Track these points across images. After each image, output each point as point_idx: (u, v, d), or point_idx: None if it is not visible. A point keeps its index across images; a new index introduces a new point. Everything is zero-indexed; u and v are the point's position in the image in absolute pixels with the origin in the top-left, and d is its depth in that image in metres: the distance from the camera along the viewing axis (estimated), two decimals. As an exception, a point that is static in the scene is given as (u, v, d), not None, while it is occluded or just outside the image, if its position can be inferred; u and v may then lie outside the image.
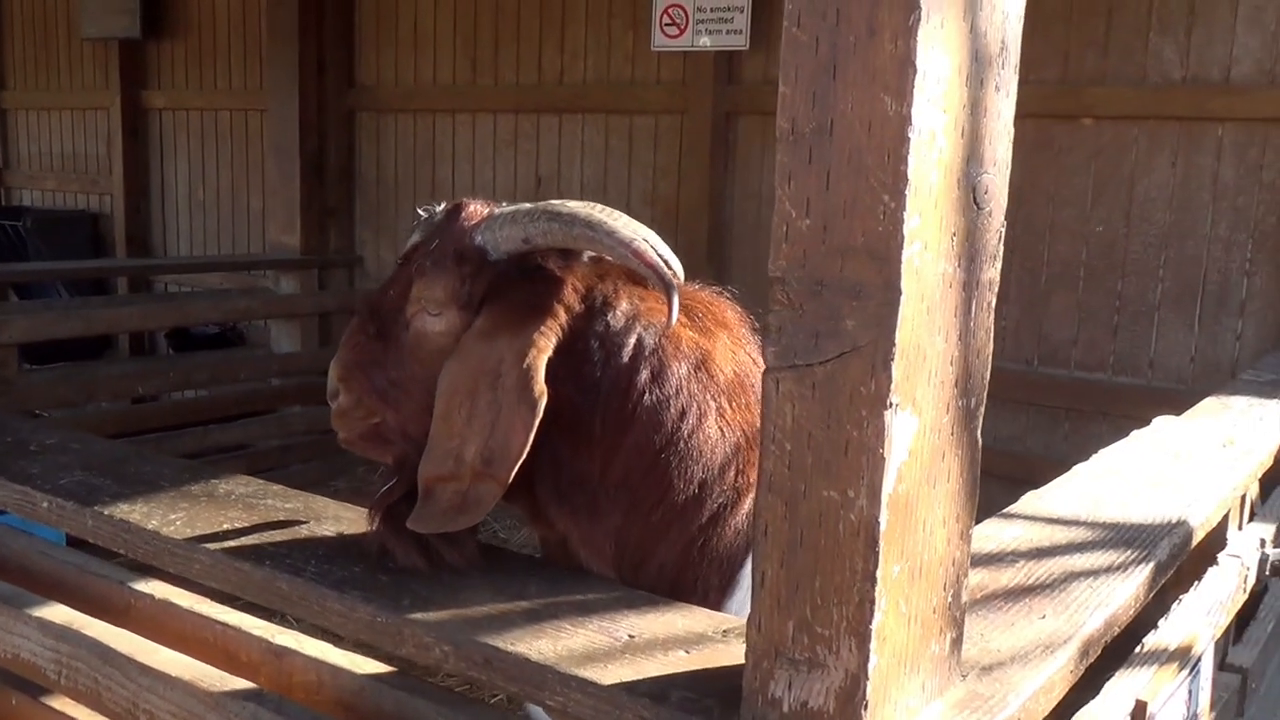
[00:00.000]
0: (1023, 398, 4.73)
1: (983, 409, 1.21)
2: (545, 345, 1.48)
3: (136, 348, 7.82)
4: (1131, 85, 4.44)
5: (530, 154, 6.16)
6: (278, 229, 6.79)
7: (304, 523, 1.70)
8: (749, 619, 1.12)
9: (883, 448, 1.03)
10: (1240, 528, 2.53)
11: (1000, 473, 3.90)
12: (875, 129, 1.01)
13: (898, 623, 1.09)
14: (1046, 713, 1.31)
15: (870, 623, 1.05)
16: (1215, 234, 4.35)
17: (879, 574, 1.04)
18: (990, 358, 1.20)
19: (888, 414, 1.03)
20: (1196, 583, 2.25)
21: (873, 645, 1.05)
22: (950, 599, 1.20)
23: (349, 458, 6.92)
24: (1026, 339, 4.74)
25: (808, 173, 1.05)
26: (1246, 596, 2.46)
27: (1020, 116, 4.46)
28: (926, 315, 1.06)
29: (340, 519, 1.73)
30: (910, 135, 1.00)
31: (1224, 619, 2.28)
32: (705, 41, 5.28)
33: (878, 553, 1.04)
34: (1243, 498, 2.50)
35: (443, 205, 1.78)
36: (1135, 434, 2.56)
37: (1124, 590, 1.57)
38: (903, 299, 1.02)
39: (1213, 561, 2.34)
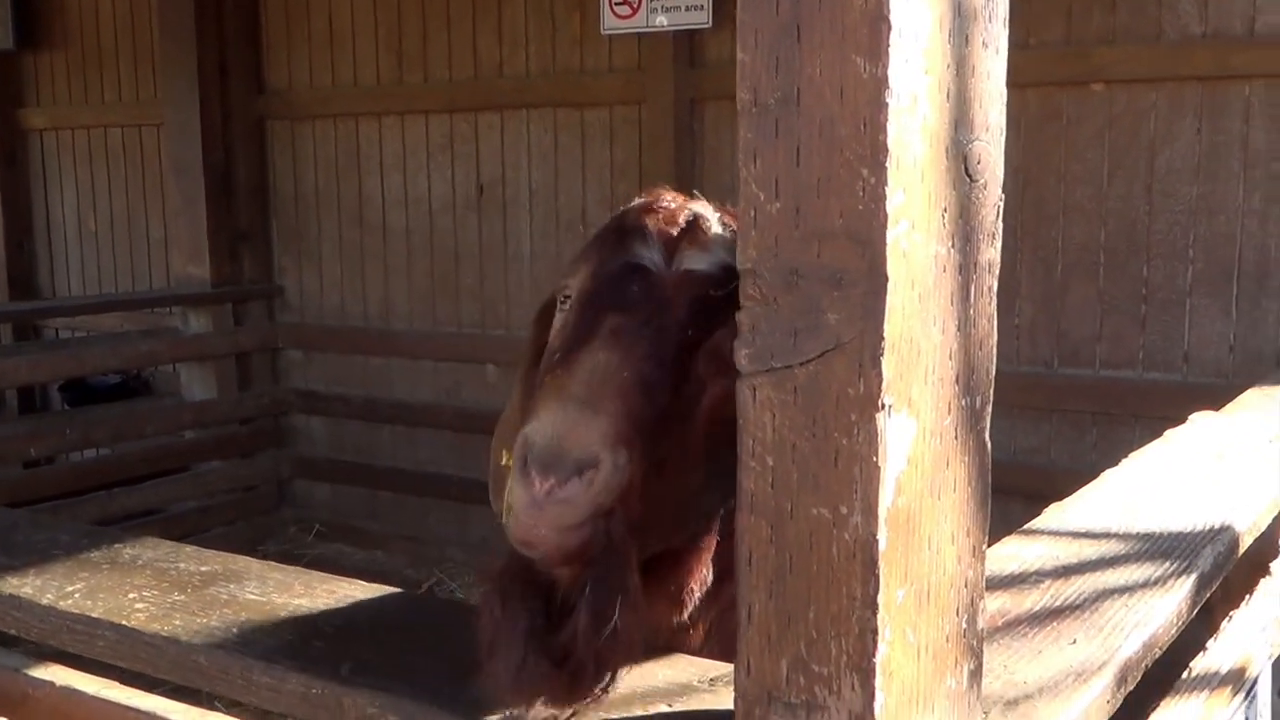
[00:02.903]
0: (1043, 404, 4.76)
1: (989, 408, 1.22)
2: None
3: (26, 404, 7.75)
4: (1145, 43, 4.51)
5: (469, 158, 6.17)
6: (183, 259, 6.77)
7: (223, 586, 1.69)
8: (736, 661, 1.13)
9: (877, 456, 1.04)
10: (1293, 534, 2.56)
11: (1023, 490, 3.92)
12: (848, 95, 1.02)
13: (905, 655, 1.10)
14: (1082, 750, 1.32)
15: (874, 656, 1.05)
16: (1248, 206, 4.41)
17: (880, 599, 1.05)
18: (994, 349, 1.21)
19: (880, 417, 1.03)
20: (1248, 596, 2.27)
21: (878, 681, 1.05)
22: (965, 625, 1.21)
23: (279, 518, 7.00)
24: (1043, 338, 4.78)
25: (775, 149, 1.06)
26: (1306, 611, 2.48)
27: (1022, 86, 4.56)
28: (919, 304, 1.07)
29: (265, 579, 1.72)
30: (888, 100, 1.01)
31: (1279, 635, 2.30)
32: (662, 21, 5.32)
33: (878, 575, 1.04)
34: (1294, 499, 2.53)
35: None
36: (1170, 433, 2.59)
37: (1164, 607, 1.58)
38: (890, 286, 1.03)
39: (1265, 572, 2.37)
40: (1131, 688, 1.48)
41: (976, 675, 1.25)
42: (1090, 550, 1.81)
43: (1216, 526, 1.92)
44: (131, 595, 1.69)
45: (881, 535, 1.05)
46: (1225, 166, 4.43)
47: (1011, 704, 1.30)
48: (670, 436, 1.32)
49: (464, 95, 6.12)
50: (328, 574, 1.77)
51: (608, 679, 1.24)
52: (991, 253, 1.20)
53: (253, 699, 1.47)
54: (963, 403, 1.16)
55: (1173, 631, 1.61)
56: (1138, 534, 1.89)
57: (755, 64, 1.06)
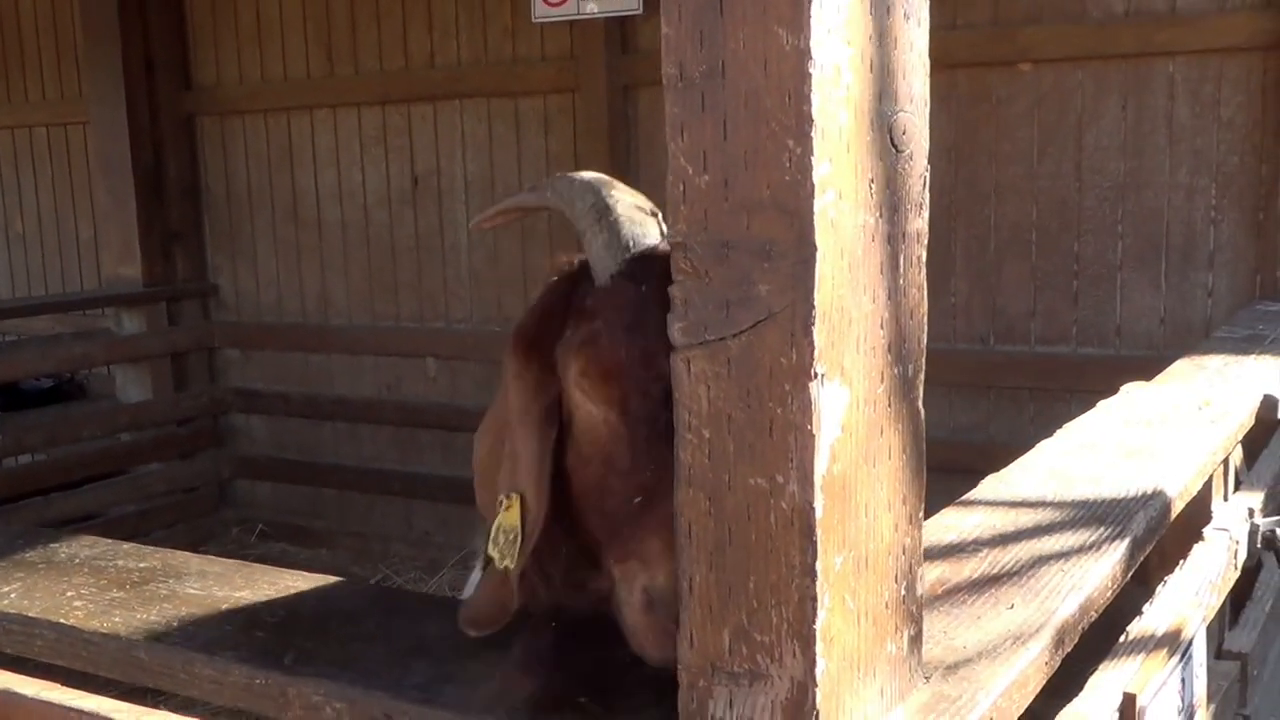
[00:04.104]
0: (980, 380, 4.83)
1: (922, 376, 1.24)
2: None
3: (-45, 411, 7.60)
4: (1071, 23, 4.57)
5: (403, 150, 6.13)
6: (114, 260, 6.66)
7: (163, 582, 1.68)
8: (679, 634, 1.14)
9: (811, 424, 1.05)
10: (1226, 498, 2.61)
11: (963, 465, 3.95)
12: (772, 67, 1.03)
13: (845, 621, 1.11)
14: (1022, 709, 1.34)
15: (814, 623, 1.06)
16: (1175, 181, 4.49)
17: (819, 567, 1.06)
18: (925, 318, 1.23)
19: (813, 386, 1.05)
20: (1182, 562, 2.32)
21: (819, 648, 1.07)
22: (904, 592, 1.22)
23: (221, 519, 6.92)
24: (979, 315, 4.84)
25: (702, 122, 1.07)
26: (1239, 574, 2.54)
27: (952, 66, 4.58)
28: (848, 273, 1.09)
29: (205, 574, 1.71)
30: (811, 71, 1.02)
31: (1215, 599, 2.35)
32: (592, 7, 5.32)
33: (815, 543, 1.06)
34: (1226, 465, 2.58)
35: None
36: (1102, 404, 2.63)
37: (1098, 571, 1.61)
38: (819, 255, 1.04)
39: (1198, 537, 2.41)
40: (1069, 649, 1.50)
41: (917, 640, 1.27)
42: (1026, 518, 1.84)
43: (1149, 492, 1.96)
44: (69, 594, 1.66)
45: (818, 503, 1.06)
46: (1151, 143, 4.51)
47: (952, 668, 1.31)
48: None
49: (396, 86, 6.08)
50: (270, 566, 1.76)
51: None
52: (920, 223, 1.22)
53: (196, 692, 1.46)
54: (895, 371, 1.18)
55: (1108, 594, 1.64)
56: (1072, 501, 1.92)
57: (680, 38, 1.06)
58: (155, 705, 1.83)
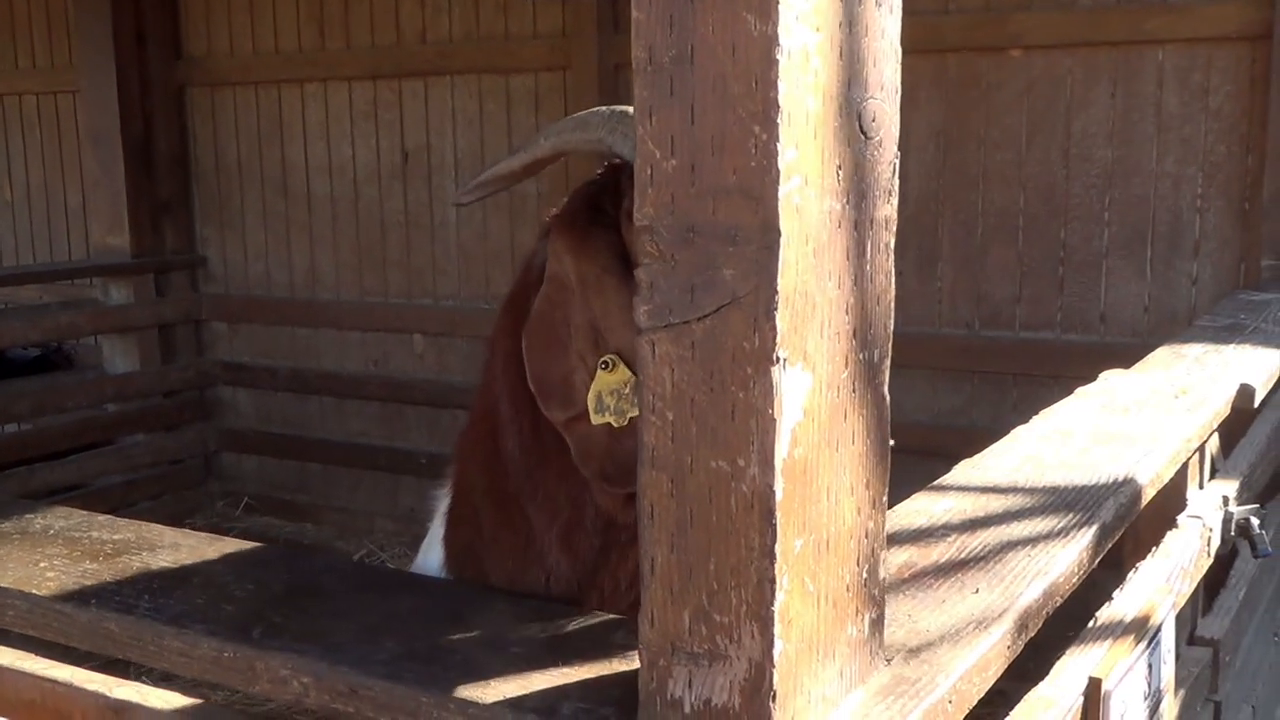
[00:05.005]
0: (964, 365, 4.83)
1: (888, 362, 1.24)
2: None
3: (-58, 380, 7.59)
4: (1061, 9, 4.57)
5: (394, 126, 6.11)
6: (102, 229, 6.64)
7: (136, 554, 1.68)
8: (641, 613, 1.15)
9: (772, 409, 1.06)
10: (1201, 486, 2.63)
11: (946, 450, 3.96)
12: (740, 52, 1.03)
13: (805, 603, 1.12)
14: (982, 693, 1.35)
15: (772, 604, 1.07)
16: (1162, 169, 4.50)
17: (778, 549, 1.07)
18: (892, 304, 1.24)
19: (775, 370, 1.05)
20: (1154, 549, 2.33)
21: (777, 629, 1.08)
22: (865, 575, 1.24)
23: (206, 491, 6.92)
24: (964, 300, 4.85)
25: (670, 106, 1.07)
26: (1212, 561, 2.55)
27: (942, 51, 4.57)
28: (813, 259, 1.09)
29: (179, 546, 1.71)
30: (778, 57, 1.02)
31: (1186, 586, 2.37)
32: (585, -15, 5.30)
33: (774, 525, 1.07)
34: (1202, 453, 2.60)
35: None
36: (1080, 391, 2.65)
37: (1065, 557, 1.63)
38: (783, 241, 1.04)
39: (1172, 524, 2.43)
40: (1033, 634, 1.52)
41: (878, 624, 1.28)
42: (997, 504, 1.85)
43: (1120, 479, 1.97)
44: (42, 565, 1.67)
45: (778, 486, 1.07)
46: (1139, 131, 4.51)
47: (914, 651, 1.33)
48: None
49: (387, 61, 6.05)
50: (243, 540, 1.77)
51: None
52: (888, 209, 1.22)
53: (165, 664, 1.47)
54: (860, 356, 1.19)
55: (1074, 580, 1.66)
56: (1043, 488, 1.93)
57: (650, 22, 1.07)
58: (136, 678, 1.85)
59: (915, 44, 4.70)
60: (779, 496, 1.07)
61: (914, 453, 4.13)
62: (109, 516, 1.87)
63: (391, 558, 6.03)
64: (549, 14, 5.61)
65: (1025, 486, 1.94)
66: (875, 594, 1.26)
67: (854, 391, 1.18)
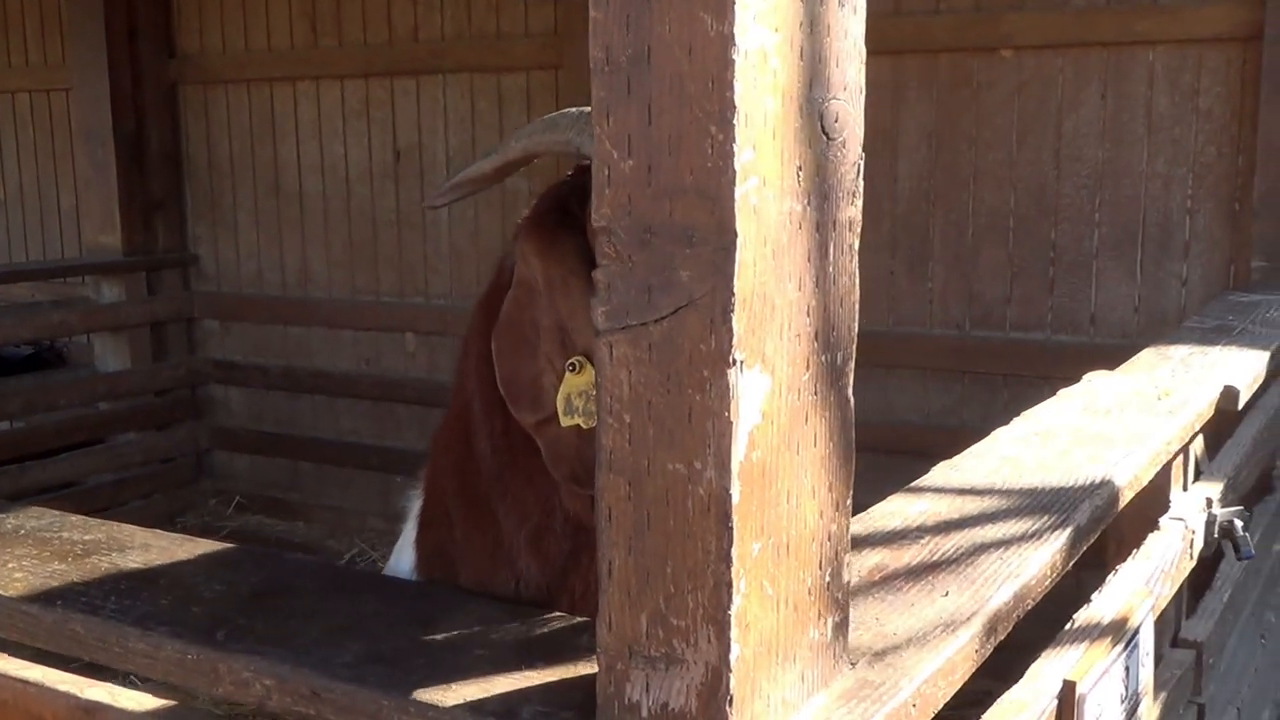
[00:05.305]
0: (955, 365, 4.83)
1: (852, 364, 1.24)
2: None
3: (-66, 377, 7.58)
4: (1052, 10, 4.56)
5: (385, 124, 6.11)
6: (94, 228, 6.64)
7: (106, 555, 1.68)
8: (599, 616, 1.14)
9: (729, 411, 1.05)
10: (1185, 488, 2.62)
11: (936, 451, 3.95)
12: (697, 52, 1.03)
13: (763, 607, 1.12)
14: (948, 696, 1.35)
15: (728, 608, 1.07)
16: (1152, 170, 4.49)
17: (734, 553, 1.06)
18: (857, 306, 1.23)
19: (732, 373, 1.05)
20: (1135, 550, 2.33)
21: (733, 633, 1.07)
22: (828, 579, 1.23)
23: (198, 490, 6.91)
24: (955, 300, 4.84)
25: (627, 106, 1.06)
26: (1195, 563, 2.55)
27: (934, 51, 4.55)
28: (772, 260, 1.09)
29: (149, 547, 1.71)
30: (735, 57, 1.01)
31: (1168, 588, 2.36)
32: (577, -16, 5.29)
33: (731, 529, 1.06)
34: (1185, 455, 2.59)
35: None
36: (1063, 392, 2.64)
37: (1037, 559, 1.62)
38: (740, 242, 1.04)
39: (1154, 526, 2.42)
40: (1003, 637, 1.51)
41: (842, 627, 1.27)
42: (972, 506, 1.84)
43: (1096, 481, 1.97)
44: (11, 565, 1.66)
45: (735, 489, 1.06)
46: (1130, 131, 4.51)
47: (879, 655, 1.32)
48: None
49: (379, 60, 6.05)
50: (215, 541, 1.76)
51: None
52: (853, 210, 1.22)
53: (131, 666, 1.46)
54: (822, 359, 1.18)
55: (1046, 583, 1.65)
56: (1020, 489, 1.93)
57: (608, 21, 1.06)
58: (124, 678, 1.84)
59: (906, 44, 4.79)
60: (736, 500, 1.06)
61: (905, 453, 4.13)
62: (81, 517, 1.86)
63: (382, 556, 6.01)
64: (541, 13, 5.60)
65: (1002, 488, 1.93)
66: (839, 597, 1.26)
67: (815, 394, 1.18)
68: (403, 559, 2.01)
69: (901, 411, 4.76)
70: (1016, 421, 2.38)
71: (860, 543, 1.66)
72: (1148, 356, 3.02)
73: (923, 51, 4.74)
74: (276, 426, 6.68)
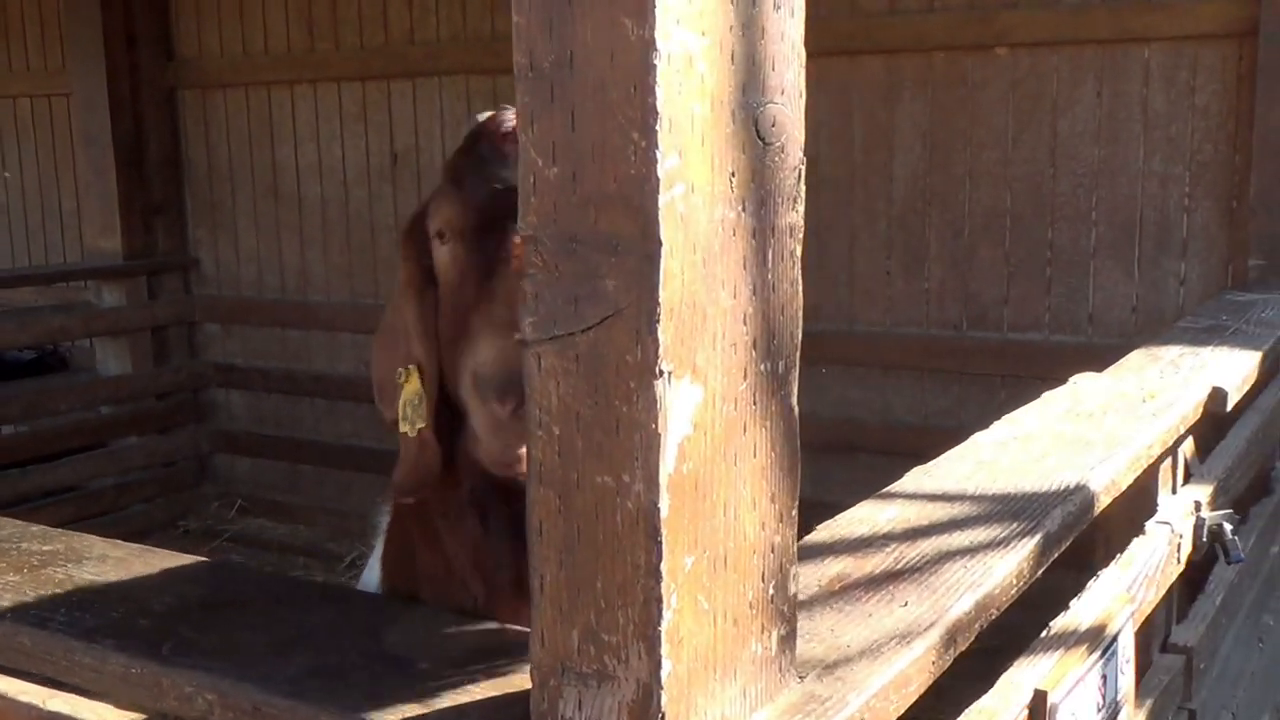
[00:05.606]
0: (952, 366, 4.80)
1: (795, 372, 1.21)
2: None
3: (-64, 382, 7.60)
4: (1047, 7, 4.53)
5: (383, 127, 6.10)
6: (95, 232, 6.64)
7: (62, 566, 1.66)
8: (531, 632, 1.12)
9: (656, 423, 1.03)
10: (1174, 491, 2.59)
11: (934, 453, 3.94)
12: (618, 58, 1.01)
13: (698, 622, 1.09)
14: (901, 710, 1.32)
15: (659, 624, 1.04)
16: (1149, 168, 4.45)
17: (664, 568, 1.04)
18: (800, 312, 1.21)
19: (659, 384, 1.02)
20: (1119, 556, 2.30)
21: (664, 649, 1.05)
22: (772, 591, 1.20)
23: (200, 493, 6.90)
24: (952, 301, 4.81)
25: (551, 113, 1.04)
26: (1183, 567, 2.51)
27: (928, 49, 4.53)
28: (702, 268, 1.06)
29: (106, 558, 1.69)
30: (656, 62, 0.99)
31: (1152, 594, 2.33)
32: (572, -15, 5.27)
33: (660, 543, 1.04)
34: (1174, 458, 2.56)
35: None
36: (1047, 395, 2.61)
37: (1002, 568, 1.59)
38: (665, 251, 1.02)
39: (1140, 531, 2.39)
40: (963, 647, 1.48)
41: (788, 640, 1.25)
42: (942, 512, 1.82)
43: (1070, 486, 1.94)
44: (-33, 577, 1.65)
45: (663, 503, 1.04)
46: (1126, 129, 4.47)
47: (830, 668, 1.30)
48: None
49: (375, 63, 6.04)
50: (173, 552, 1.75)
51: None
52: (793, 216, 1.19)
53: (77, 680, 1.45)
54: (761, 368, 1.16)
55: (1011, 592, 1.62)
56: (992, 495, 1.90)
57: (530, 27, 1.04)
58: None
59: (901, 43, 4.76)
60: (665, 513, 1.04)
61: (903, 454, 4.07)
62: (42, 527, 1.84)
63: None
64: (536, 14, 5.57)
65: (974, 494, 1.91)
66: (784, 610, 1.23)
67: (755, 404, 1.15)
68: (371, 575, 2.00)
69: (899, 412, 4.73)
70: (997, 424, 2.35)
71: (824, 551, 1.64)
72: (1137, 358, 2.99)
73: (917, 50, 4.71)
74: (278, 429, 6.68)
